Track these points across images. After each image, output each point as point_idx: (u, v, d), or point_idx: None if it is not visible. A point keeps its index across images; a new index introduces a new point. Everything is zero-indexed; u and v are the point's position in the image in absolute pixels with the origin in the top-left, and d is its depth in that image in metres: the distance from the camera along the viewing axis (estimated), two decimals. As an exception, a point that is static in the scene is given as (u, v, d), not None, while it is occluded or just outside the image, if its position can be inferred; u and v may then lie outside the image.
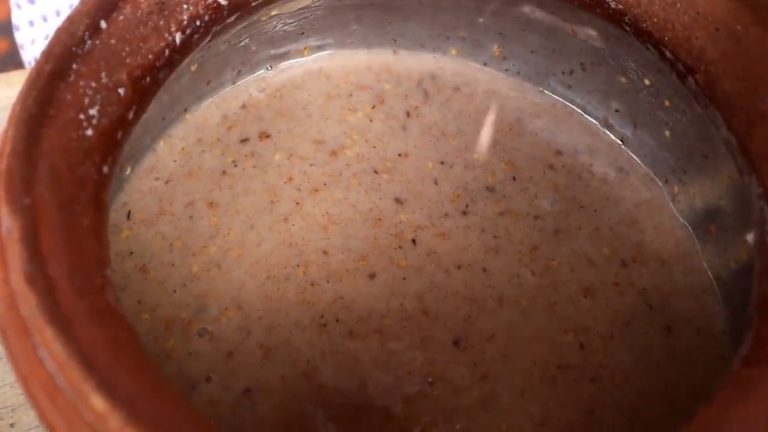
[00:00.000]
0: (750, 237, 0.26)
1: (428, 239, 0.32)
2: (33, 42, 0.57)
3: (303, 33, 0.36)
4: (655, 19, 0.29)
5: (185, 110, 0.35)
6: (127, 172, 0.32)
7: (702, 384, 0.29)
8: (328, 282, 0.30)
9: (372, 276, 0.30)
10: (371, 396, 0.27)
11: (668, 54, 0.29)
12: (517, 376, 0.28)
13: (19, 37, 0.58)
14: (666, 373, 0.29)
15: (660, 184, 0.35)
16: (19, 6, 0.55)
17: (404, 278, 0.30)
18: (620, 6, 0.30)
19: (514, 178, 0.34)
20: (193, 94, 0.34)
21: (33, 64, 0.58)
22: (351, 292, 0.30)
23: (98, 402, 0.18)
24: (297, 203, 0.32)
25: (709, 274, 0.32)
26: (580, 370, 0.29)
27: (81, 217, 0.23)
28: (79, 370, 0.18)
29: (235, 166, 0.33)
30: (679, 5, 0.29)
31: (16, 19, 0.57)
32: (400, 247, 0.31)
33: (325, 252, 0.31)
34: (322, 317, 0.29)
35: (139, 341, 0.22)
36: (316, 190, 0.33)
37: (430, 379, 0.28)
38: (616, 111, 0.36)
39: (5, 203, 0.21)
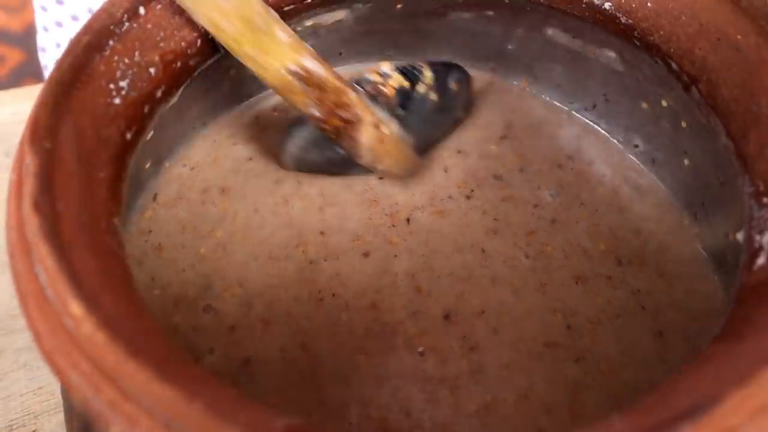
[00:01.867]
0: (740, 236, 0.26)
1: (425, 218, 0.33)
2: (58, 46, 0.60)
3: (341, 53, 0.39)
4: (662, 32, 0.30)
5: (221, 114, 0.37)
6: (166, 165, 0.34)
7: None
8: (325, 260, 0.31)
9: (366, 254, 0.31)
10: (364, 365, 0.28)
11: (674, 65, 0.30)
12: (504, 350, 0.29)
13: (41, 40, 0.60)
14: (653, 374, 0.28)
15: (678, 209, 0.34)
16: (44, 9, 0.58)
17: (395, 256, 0.31)
18: (630, 21, 0.31)
19: (521, 170, 0.35)
20: (231, 100, 0.37)
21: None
22: (347, 270, 0.31)
23: (75, 307, 0.19)
24: (299, 182, 0.34)
25: (720, 300, 0.30)
26: (566, 349, 0.29)
27: (98, 170, 0.25)
28: (64, 280, 0.19)
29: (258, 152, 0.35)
30: (683, 18, 0.30)
31: (40, 21, 0.59)
32: (393, 226, 0.32)
33: (322, 233, 0.32)
34: (319, 292, 0.30)
35: (133, 280, 0.23)
36: None
37: (420, 349, 0.28)
38: (635, 146, 0.36)
39: (28, 144, 0.23)
